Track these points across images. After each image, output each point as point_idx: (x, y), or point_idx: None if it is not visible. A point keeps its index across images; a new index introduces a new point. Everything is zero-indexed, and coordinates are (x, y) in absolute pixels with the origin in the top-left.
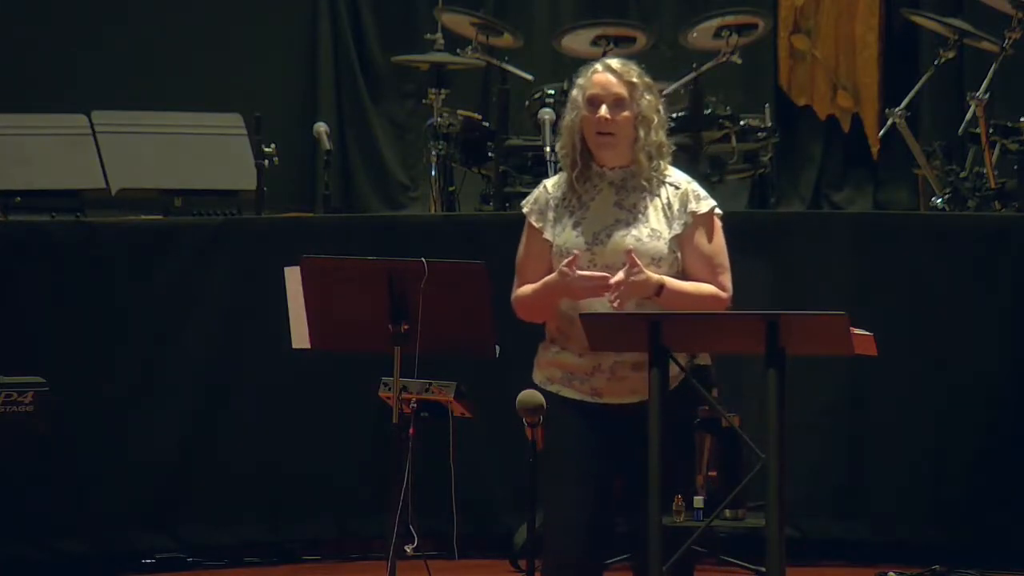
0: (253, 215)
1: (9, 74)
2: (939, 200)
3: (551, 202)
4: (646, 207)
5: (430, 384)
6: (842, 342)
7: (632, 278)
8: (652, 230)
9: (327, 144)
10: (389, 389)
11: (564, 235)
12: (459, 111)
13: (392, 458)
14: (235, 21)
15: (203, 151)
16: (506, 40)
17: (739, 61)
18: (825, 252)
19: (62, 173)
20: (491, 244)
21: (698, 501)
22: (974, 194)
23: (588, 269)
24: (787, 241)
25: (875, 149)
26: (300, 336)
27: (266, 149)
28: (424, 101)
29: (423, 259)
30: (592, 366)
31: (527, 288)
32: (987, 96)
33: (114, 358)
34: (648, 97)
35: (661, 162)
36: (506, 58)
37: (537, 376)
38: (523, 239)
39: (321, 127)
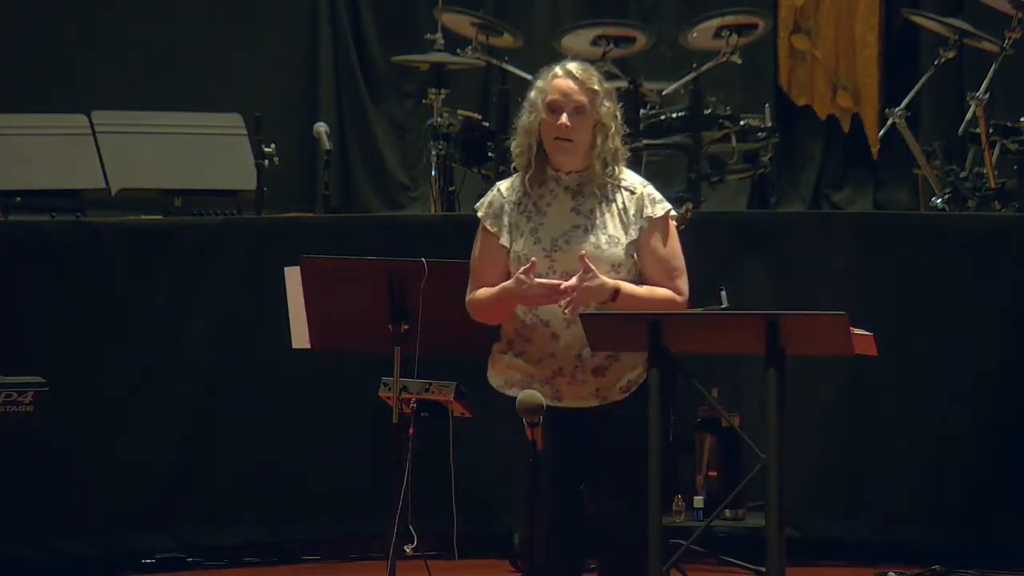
0: (253, 215)
1: (9, 74)
2: (939, 200)
3: (506, 206)
4: (603, 212)
5: (430, 384)
6: (842, 342)
7: (586, 283)
8: (610, 236)
9: (327, 144)
10: (389, 389)
11: (522, 241)
12: (459, 111)
13: (392, 458)
14: (235, 21)
15: (203, 151)
16: (506, 40)
17: (739, 61)
18: (825, 252)
19: (62, 173)
20: None
21: (698, 501)
22: (974, 194)
23: (547, 275)
24: (787, 241)
25: (875, 149)
26: (300, 336)
27: (266, 149)
28: (424, 101)
29: (423, 259)
30: (552, 370)
31: (483, 292)
32: (987, 96)
33: (114, 358)
34: (607, 104)
35: (616, 167)
36: (506, 58)
37: (494, 379)
38: (478, 242)
39: (321, 127)
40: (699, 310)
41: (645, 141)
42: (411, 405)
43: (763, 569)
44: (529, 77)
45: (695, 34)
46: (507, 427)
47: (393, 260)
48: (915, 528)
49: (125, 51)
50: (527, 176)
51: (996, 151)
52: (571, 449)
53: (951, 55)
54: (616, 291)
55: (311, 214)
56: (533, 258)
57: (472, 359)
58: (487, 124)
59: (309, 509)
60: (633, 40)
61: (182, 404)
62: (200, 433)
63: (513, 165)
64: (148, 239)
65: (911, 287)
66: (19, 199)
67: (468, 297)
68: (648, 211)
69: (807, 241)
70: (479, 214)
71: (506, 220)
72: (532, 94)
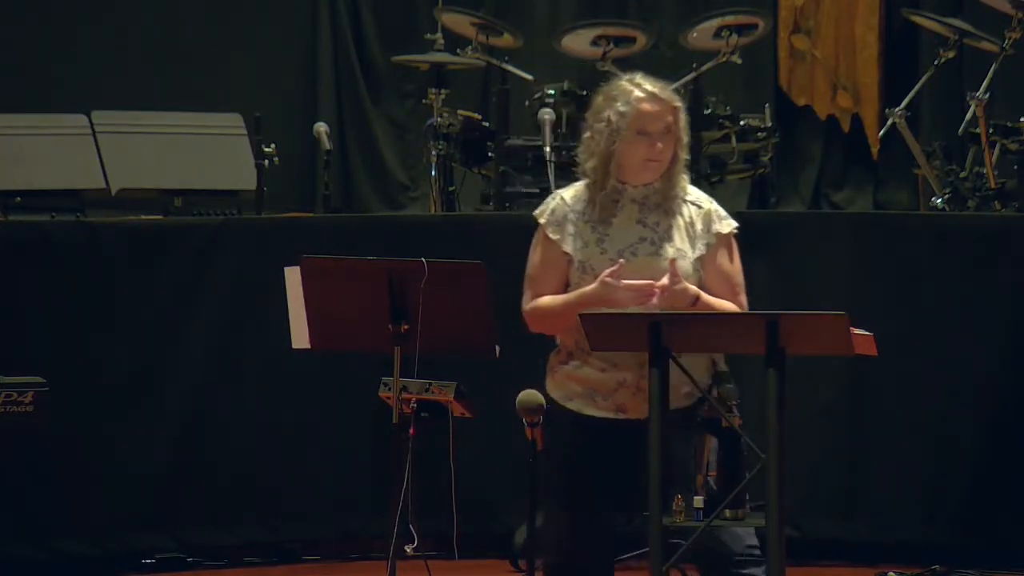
0: (253, 215)
1: (9, 74)
2: (939, 200)
3: (570, 215)
4: (670, 226)
5: (430, 384)
6: (842, 342)
7: (674, 287)
8: (677, 249)
9: (327, 144)
10: (389, 389)
11: (587, 251)
12: (459, 111)
13: (392, 458)
14: (235, 21)
15: (203, 151)
16: (506, 40)
17: (739, 61)
18: (825, 252)
19: (62, 173)
20: (491, 244)
21: (698, 501)
22: (974, 194)
23: None
24: (787, 241)
25: (875, 149)
26: (300, 336)
27: (266, 149)
28: (424, 101)
29: (423, 259)
30: (616, 382)
31: (549, 299)
32: (987, 96)
33: (114, 358)
34: (685, 118)
35: (683, 179)
36: (506, 58)
37: (555, 392)
38: (537, 249)
39: (321, 127)
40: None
41: None
42: (411, 405)
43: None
44: (529, 77)
45: (695, 34)
46: (563, 438)
47: (393, 260)
48: (915, 528)
49: (125, 51)
50: (599, 193)
51: (996, 151)
52: (635, 462)
53: (951, 55)
54: (696, 298)
55: (311, 214)
56: (621, 260)
57: (472, 359)
58: (487, 124)
59: (309, 509)
60: (633, 40)
61: (182, 404)
62: (200, 433)
63: (580, 176)
64: (148, 239)
65: (911, 287)
66: (19, 199)
67: (528, 306)
68: (716, 227)
69: (807, 241)
70: (540, 220)
71: (570, 228)
72: (610, 115)
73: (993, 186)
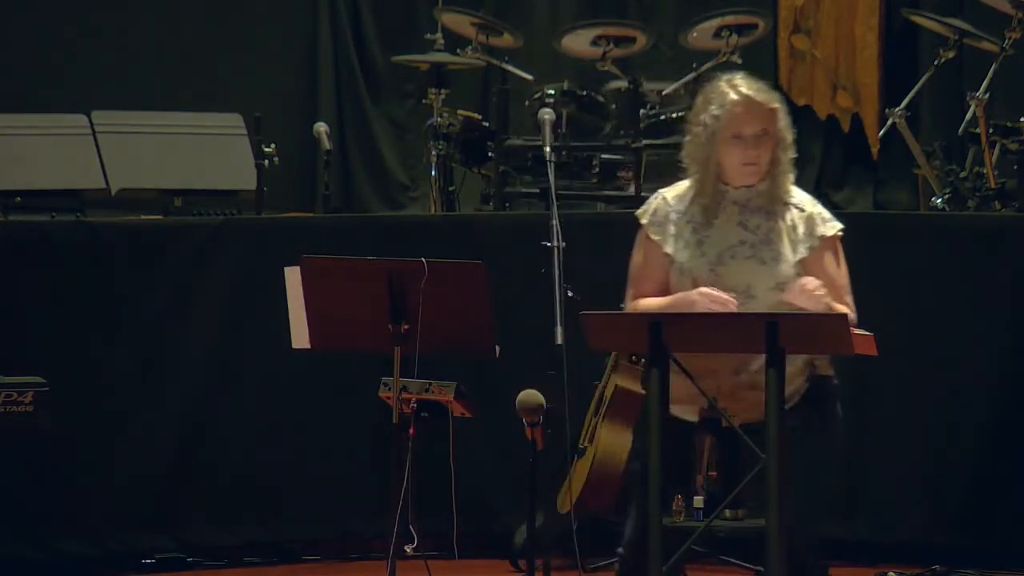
0: (253, 215)
1: (9, 74)
2: (939, 200)
3: (672, 215)
4: (771, 229)
5: (430, 384)
6: (842, 342)
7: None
8: (777, 253)
9: (327, 144)
10: (389, 389)
11: (687, 253)
12: (459, 111)
13: (392, 458)
14: (235, 21)
15: (203, 151)
16: (506, 40)
17: (739, 61)
18: None
19: (62, 173)
20: (491, 244)
21: (698, 501)
22: (974, 194)
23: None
24: None
25: (875, 149)
26: (300, 336)
27: (266, 149)
28: (424, 101)
29: (423, 259)
30: (712, 388)
31: (648, 302)
32: (987, 96)
33: (114, 358)
34: (785, 119)
35: (787, 182)
36: (506, 58)
37: None
38: (639, 250)
39: (321, 127)
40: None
41: (645, 141)
42: (411, 405)
43: (763, 569)
44: (529, 77)
45: (695, 34)
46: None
47: (393, 260)
48: (915, 528)
49: (125, 51)
50: (697, 190)
51: (996, 151)
52: (728, 467)
53: (951, 55)
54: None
55: (311, 214)
56: (734, 303)
57: (472, 359)
58: (487, 124)
59: (309, 509)
60: (633, 40)
61: (182, 404)
62: (200, 433)
63: (684, 176)
64: (148, 239)
65: (911, 287)
66: (19, 199)
67: (628, 305)
68: (820, 230)
69: None
70: (642, 221)
71: (671, 229)
72: (706, 119)
73: (993, 186)
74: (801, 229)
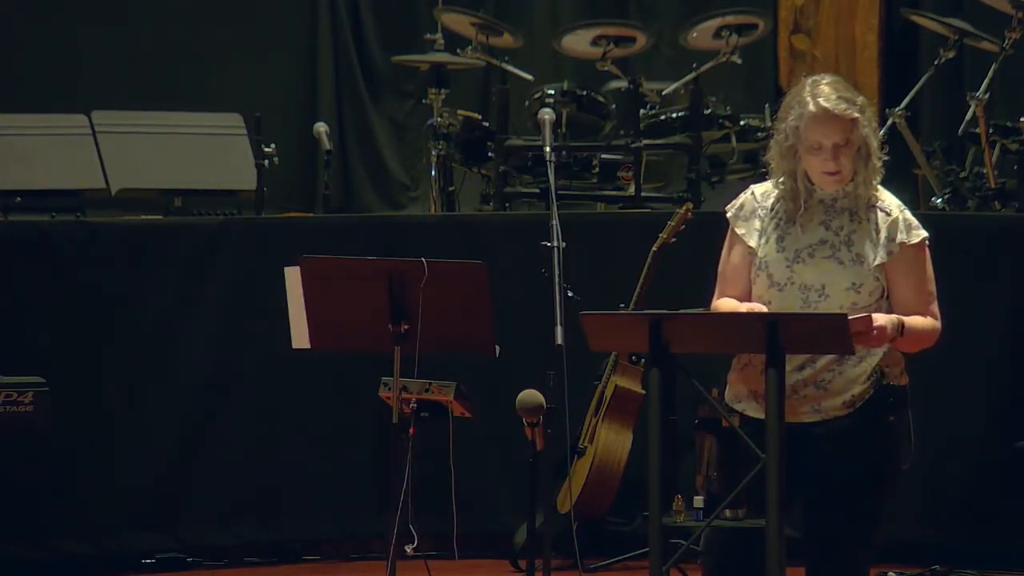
0: (253, 215)
1: (9, 74)
2: (939, 200)
3: (759, 210)
4: (853, 231)
5: (430, 384)
6: (842, 342)
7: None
8: (856, 255)
9: (327, 144)
10: (389, 389)
11: (767, 247)
12: (459, 111)
13: (392, 458)
14: (235, 21)
15: (203, 151)
16: (506, 40)
17: (739, 61)
18: None
19: (62, 173)
20: (491, 244)
21: (698, 501)
22: (974, 194)
23: (786, 286)
24: None
25: None
26: (300, 336)
27: (266, 149)
28: (424, 101)
29: (423, 259)
30: None
31: (723, 302)
32: (987, 96)
33: (114, 358)
34: (867, 124)
35: (874, 185)
36: (506, 58)
37: (727, 394)
38: (726, 246)
39: (321, 127)
40: (699, 310)
41: (645, 141)
42: (411, 405)
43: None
44: (530, 77)
45: (695, 34)
46: (732, 442)
47: (393, 260)
48: (915, 528)
49: (125, 51)
50: (783, 190)
51: (996, 151)
52: (793, 466)
53: (951, 55)
54: (901, 325)
55: (311, 214)
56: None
57: (472, 359)
58: (487, 124)
59: (309, 509)
60: (633, 40)
61: (182, 404)
62: (200, 433)
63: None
64: (148, 239)
65: None
66: (19, 199)
67: (712, 303)
68: (902, 236)
69: None
70: (728, 215)
71: (756, 224)
72: (786, 128)
73: (993, 186)
74: (884, 233)
